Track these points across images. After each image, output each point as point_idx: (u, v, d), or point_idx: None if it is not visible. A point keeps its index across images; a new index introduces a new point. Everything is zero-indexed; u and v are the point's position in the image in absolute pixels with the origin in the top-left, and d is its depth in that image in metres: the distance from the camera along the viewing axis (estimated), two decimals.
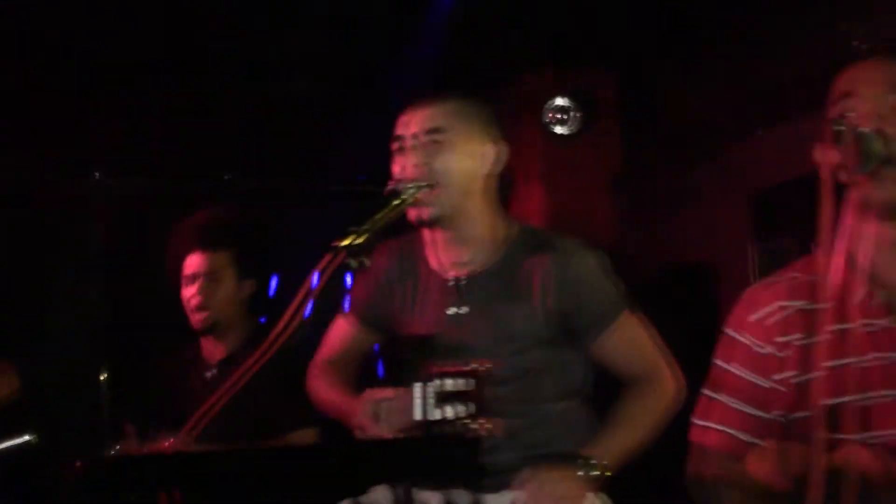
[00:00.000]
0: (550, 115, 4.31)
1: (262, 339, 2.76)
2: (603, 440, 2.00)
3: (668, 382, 2.06)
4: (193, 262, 2.83)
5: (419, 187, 2.00)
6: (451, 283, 2.12)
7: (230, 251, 2.87)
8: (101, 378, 3.77)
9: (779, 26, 3.77)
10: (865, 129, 1.46)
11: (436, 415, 1.69)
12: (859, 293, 1.56)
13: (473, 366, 1.71)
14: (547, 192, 4.59)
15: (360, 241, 1.84)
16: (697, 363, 1.81)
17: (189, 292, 2.84)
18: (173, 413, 2.81)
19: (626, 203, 4.61)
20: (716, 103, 4.16)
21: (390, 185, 2.02)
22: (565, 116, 4.31)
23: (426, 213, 2.04)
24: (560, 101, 4.31)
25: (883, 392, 1.50)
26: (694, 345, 1.96)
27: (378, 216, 1.93)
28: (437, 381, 1.70)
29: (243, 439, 2.66)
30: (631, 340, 2.08)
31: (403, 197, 1.98)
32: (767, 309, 1.65)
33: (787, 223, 3.76)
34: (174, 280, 2.90)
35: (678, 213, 4.39)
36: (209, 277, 2.82)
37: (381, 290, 2.23)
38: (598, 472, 1.92)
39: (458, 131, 2.07)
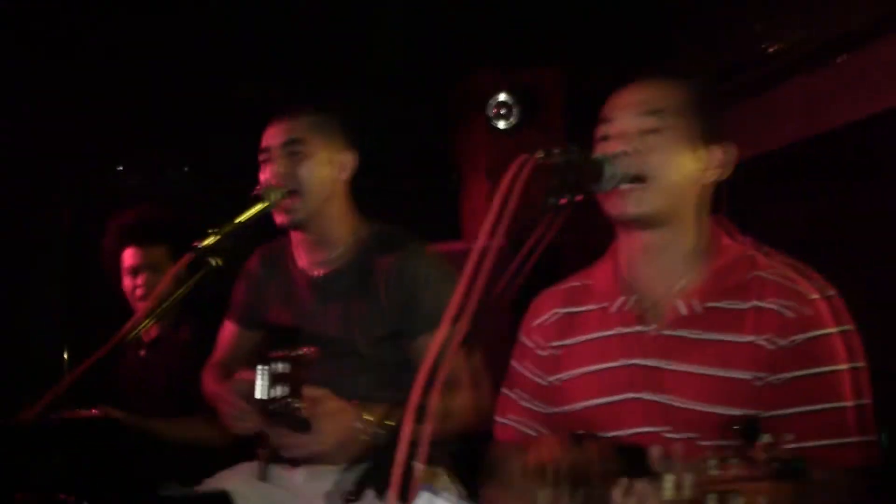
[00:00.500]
0: (494, 110, 4.52)
1: (183, 322, 3.10)
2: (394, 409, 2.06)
3: (465, 397, 2.12)
4: (130, 256, 3.09)
5: (281, 194, 2.23)
6: (313, 281, 2.34)
7: (166, 246, 3.12)
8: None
9: (699, 25, 3.91)
10: (606, 154, 1.65)
11: (268, 394, 1.94)
12: (617, 300, 1.74)
13: (299, 352, 1.95)
14: (492, 186, 4.80)
15: (213, 241, 2.08)
16: None
17: (131, 283, 3.10)
18: (116, 388, 3.13)
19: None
20: None
21: (254, 191, 2.25)
22: (507, 111, 4.52)
23: (289, 217, 2.27)
24: (502, 97, 4.51)
25: (630, 394, 1.66)
26: None
27: (239, 219, 2.16)
28: (270, 366, 1.95)
29: (165, 414, 2.96)
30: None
31: (265, 202, 2.22)
32: (546, 315, 1.84)
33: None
34: (110, 272, 3.18)
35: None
36: (150, 269, 3.08)
37: (255, 291, 2.45)
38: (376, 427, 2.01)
39: (316, 142, 2.28)
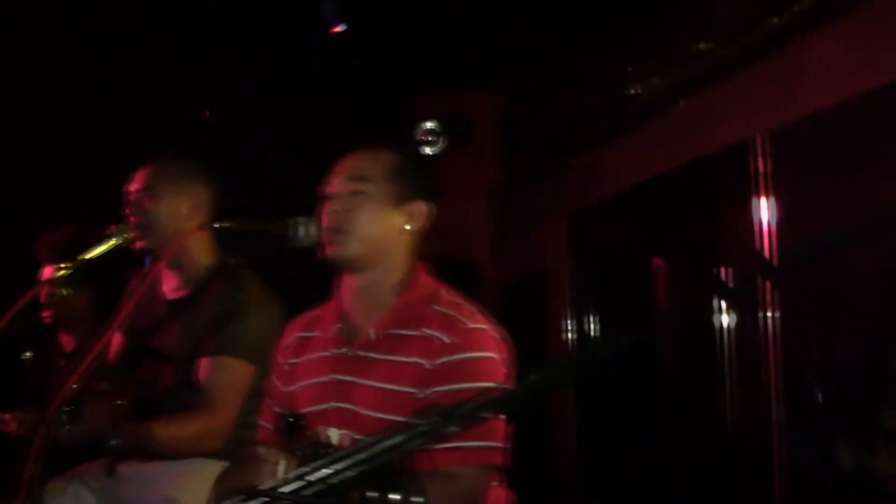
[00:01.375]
0: (422, 137, 4.92)
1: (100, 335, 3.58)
2: (136, 428, 2.41)
3: (213, 422, 2.43)
4: (47, 273, 3.58)
5: (128, 232, 2.67)
6: (168, 303, 2.78)
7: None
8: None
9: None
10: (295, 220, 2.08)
11: None
12: (334, 327, 2.14)
13: None
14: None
15: (62, 273, 2.55)
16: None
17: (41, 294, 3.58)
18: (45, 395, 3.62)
19: (499, 215, 5.17)
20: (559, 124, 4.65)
21: (107, 231, 2.69)
22: (434, 138, 4.91)
23: (140, 248, 2.71)
24: (429, 125, 4.91)
25: (332, 403, 2.04)
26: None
27: (86, 255, 2.62)
28: None
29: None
30: (214, 377, 2.46)
31: (113, 239, 2.66)
32: (289, 338, 2.24)
33: (601, 239, 4.25)
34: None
35: (535, 226, 4.90)
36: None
37: (141, 315, 2.78)
38: None
39: (163, 188, 2.70)
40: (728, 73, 3.12)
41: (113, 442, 2.35)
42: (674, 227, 3.66)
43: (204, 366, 2.51)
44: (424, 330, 1.97)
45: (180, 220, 2.72)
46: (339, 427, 2.02)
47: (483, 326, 1.98)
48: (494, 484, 2.01)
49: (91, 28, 4.15)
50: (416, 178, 2.11)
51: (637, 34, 3.60)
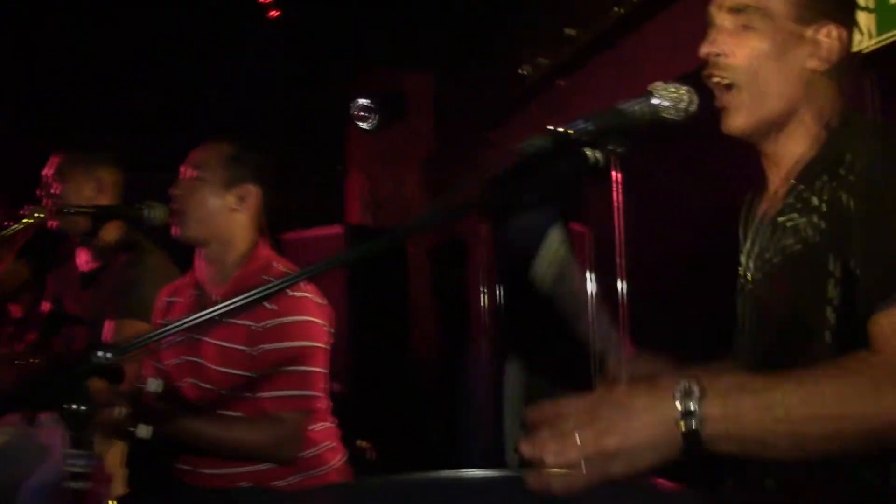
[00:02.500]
0: (356, 113, 5.26)
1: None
2: None
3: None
4: None
5: (41, 212, 3.05)
6: (82, 277, 3.16)
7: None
8: None
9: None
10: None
11: None
12: (191, 293, 2.51)
13: None
14: (364, 179, 5.56)
15: None
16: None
17: None
18: None
19: (432, 186, 5.50)
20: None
21: (23, 211, 3.07)
22: (368, 114, 5.25)
23: (53, 227, 3.08)
24: (363, 101, 5.24)
25: (185, 357, 2.39)
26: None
27: (3, 234, 3.01)
28: None
29: None
30: (118, 337, 2.72)
31: (25, 220, 3.04)
32: (161, 301, 2.60)
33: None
34: None
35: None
36: None
37: (61, 285, 3.21)
38: None
39: (68, 172, 3.06)
40: (588, 57, 3.42)
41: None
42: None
43: (108, 328, 2.85)
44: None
45: (85, 201, 3.09)
46: (190, 377, 2.40)
47: (306, 294, 2.34)
48: (320, 426, 2.38)
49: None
50: (247, 165, 2.45)
51: (526, 19, 3.90)
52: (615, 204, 3.30)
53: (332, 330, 2.38)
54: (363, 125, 5.24)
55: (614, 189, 3.33)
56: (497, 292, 4.70)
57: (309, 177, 5.60)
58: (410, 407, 4.76)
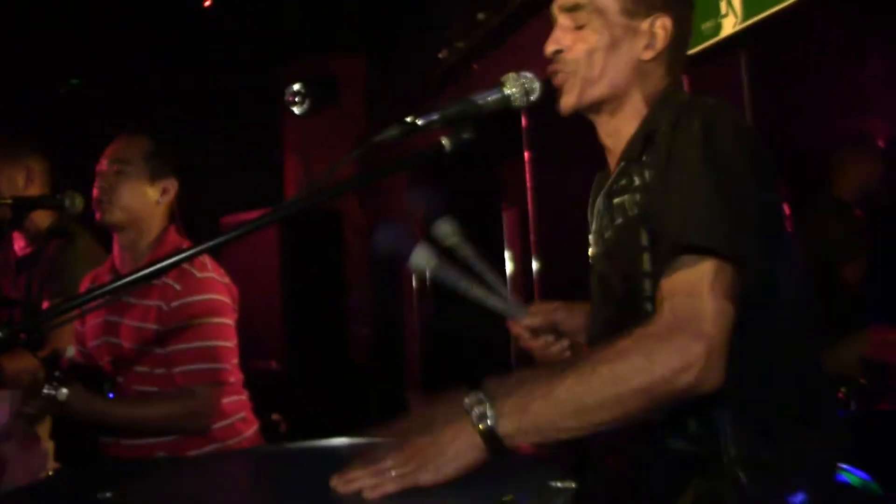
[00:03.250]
0: (289, 98, 5.36)
1: None
2: None
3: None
4: None
5: None
6: (18, 261, 3.25)
7: None
8: None
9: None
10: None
11: None
12: (108, 277, 2.61)
13: None
14: (300, 162, 5.66)
15: None
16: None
17: None
18: None
19: (366, 167, 5.61)
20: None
21: None
22: (300, 99, 5.34)
23: None
24: (296, 87, 5.33)
25: (104, 338, 2.51)
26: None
27: None
28: None
29: None
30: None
31: None
32: (85, 286, 2.71)
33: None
34: None
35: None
36: None
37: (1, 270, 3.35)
38: None
39: (2, 164, 3.16)
40: (501, 40, 3.56)
41: None
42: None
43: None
44: (164, 280, 2.45)
45: (17, 190, 3.18)
46: (108, 356, 2.52)
47: (210, 275, 2.46)
48: (233, 399, 2.51)
49: None
50: (167, 159, 2.57)
51: (442, 3, 4.02)
52: (527, 183, 3.45)
53: (237, 307, 2.51)
54: (296, 109, 5.34)
55: (526, 169, 3.48)
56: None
57: (247, 161, 5.69)
58: (344, 382, 4.90)
